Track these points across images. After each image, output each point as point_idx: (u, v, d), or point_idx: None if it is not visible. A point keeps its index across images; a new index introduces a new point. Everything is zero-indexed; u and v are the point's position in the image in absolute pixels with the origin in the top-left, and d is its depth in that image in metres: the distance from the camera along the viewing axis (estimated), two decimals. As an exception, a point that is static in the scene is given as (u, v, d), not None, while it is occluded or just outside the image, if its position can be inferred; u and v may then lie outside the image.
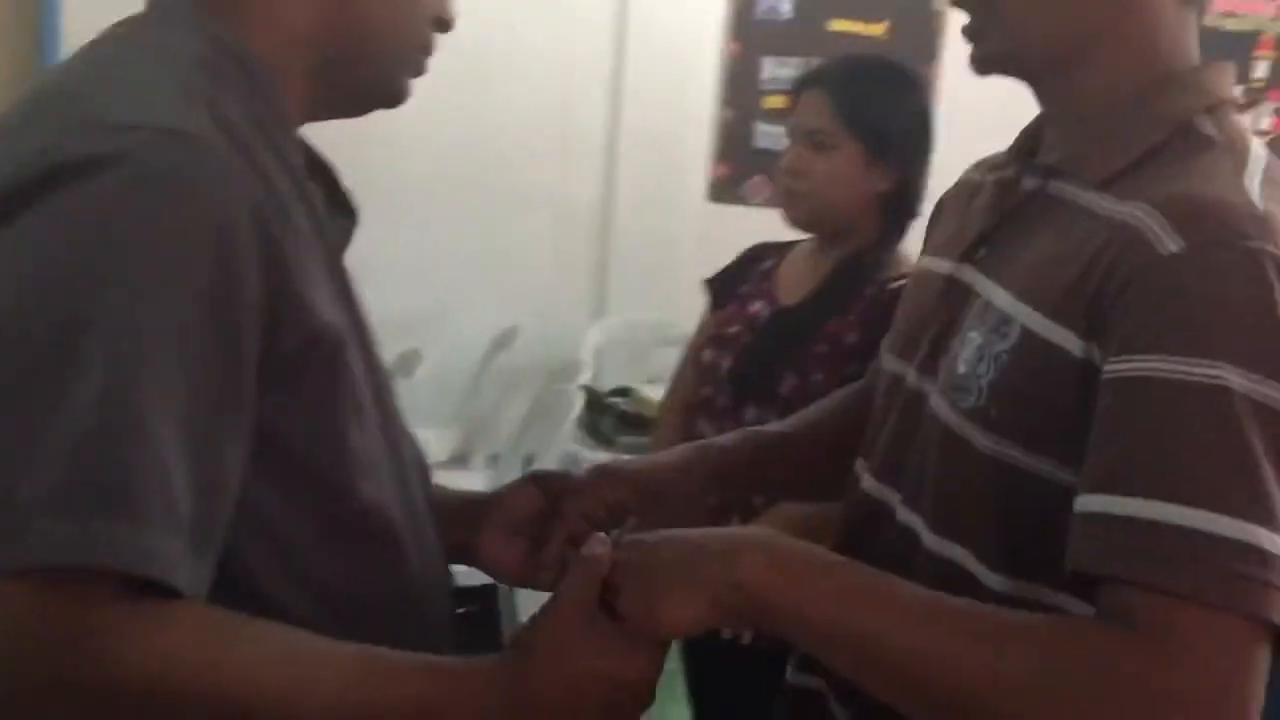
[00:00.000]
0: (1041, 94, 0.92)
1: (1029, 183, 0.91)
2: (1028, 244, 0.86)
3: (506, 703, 0.75)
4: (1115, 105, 0.86)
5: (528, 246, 4.18)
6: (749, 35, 4.30)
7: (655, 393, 3.84)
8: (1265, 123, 4.68)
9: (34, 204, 0.68)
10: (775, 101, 4.34)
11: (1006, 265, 0.87)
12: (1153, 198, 0.77)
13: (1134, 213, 0.77)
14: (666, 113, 4.26)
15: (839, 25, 4.34)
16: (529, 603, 2.36)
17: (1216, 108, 0.84)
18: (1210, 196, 0.76)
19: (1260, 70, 4.66)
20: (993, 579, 0.82)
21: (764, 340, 1.66)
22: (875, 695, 0.75)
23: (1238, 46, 4.63)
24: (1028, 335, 0.81)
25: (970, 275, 0.91)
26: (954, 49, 4.35)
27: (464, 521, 1.06)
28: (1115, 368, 0.73)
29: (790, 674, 1.09)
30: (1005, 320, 0.83)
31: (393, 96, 0.93)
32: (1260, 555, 0.66)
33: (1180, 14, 0.87)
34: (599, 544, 0.83)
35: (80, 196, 0.68)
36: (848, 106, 1.61)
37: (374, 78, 0.92)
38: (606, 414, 3.05)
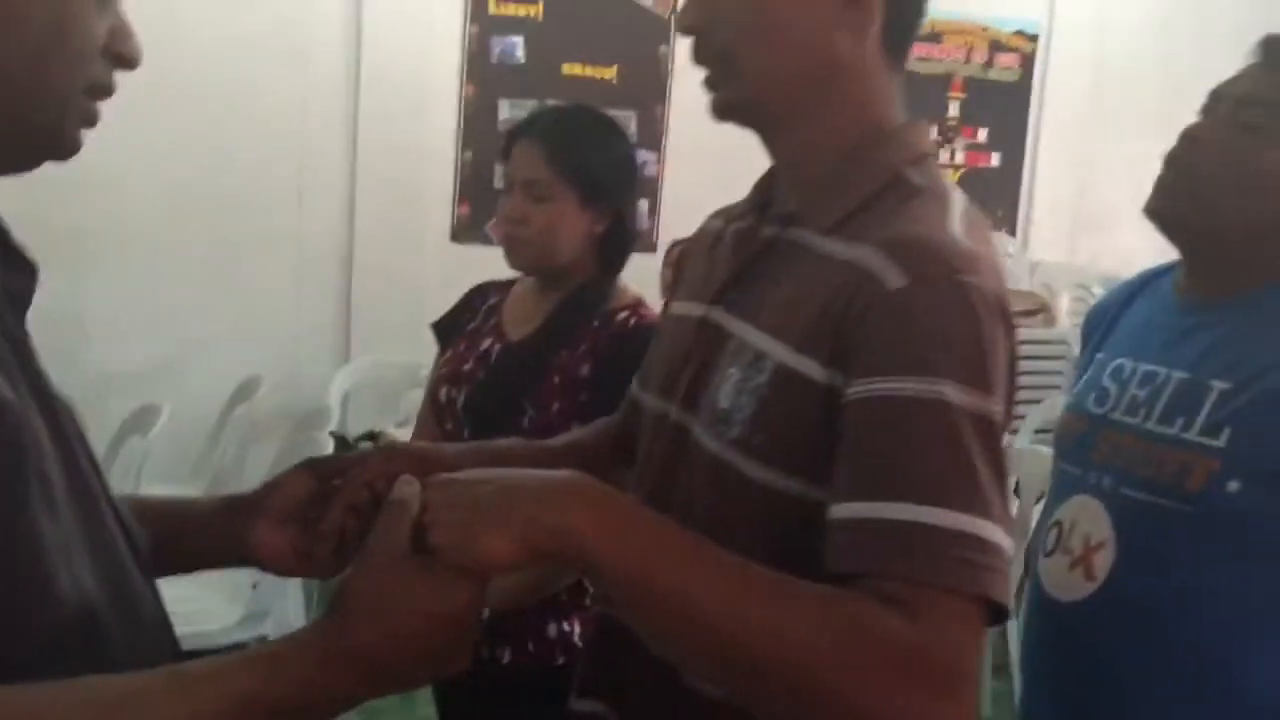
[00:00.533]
0: (772, 145, 1.02)
1: (768, 230, 1.00)
2: (773, 286, 0.95)
3: (331, 666, 0.73)
4: (836, 157, 0.96)
5: (268, 291, 4.10)
6: (484, 78, 4.38)
7: (406, 435, 3.84)
8: (959, 157, 5.14)
9: None
10: (513, 142, 4.44)
11: (755, 306, 0.96)
12: (876, 240, 0.87)
13: (862, 253, 0.87)
14: (405, 154, 4.27)
15: (571, 69, 4.48)
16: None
17: (921, 159, 0.97)
18: (925, 237, 0.86)
19: (953, 109, 5.13)
20: None
21: (496, 374, 1.71)
22: (672, 655, 0.80)
23: (933, 88, 5.07)
24: (779, 368, 0.89)
25: (722, 317, 0.99)
26: (679, 92, 4.58)
27: (233, 519, 1.01)
28: (854, 390, 0.83)
29: (573, 700, 1.11)
30: (760, 356, 0.92)
31: (59, 147, 0.80)
32: (981, 543, 0.77)
33: (889, 79, 0.99)
34: (407, 485, 0.81)
35: None
36: (561, 157, 1.69)
37: (27, 121, 0.77)
38: (356, 458, 3.02)
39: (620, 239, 1.74)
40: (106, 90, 0.81)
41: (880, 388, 0.81)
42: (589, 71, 4.53)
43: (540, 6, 4.42)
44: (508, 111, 4.41)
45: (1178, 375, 1.26)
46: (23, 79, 0.75)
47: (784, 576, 0.78)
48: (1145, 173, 1.37)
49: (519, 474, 0.83)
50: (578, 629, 1.68)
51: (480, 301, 1.87)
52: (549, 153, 1.68)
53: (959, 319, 0.82)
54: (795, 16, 0.93)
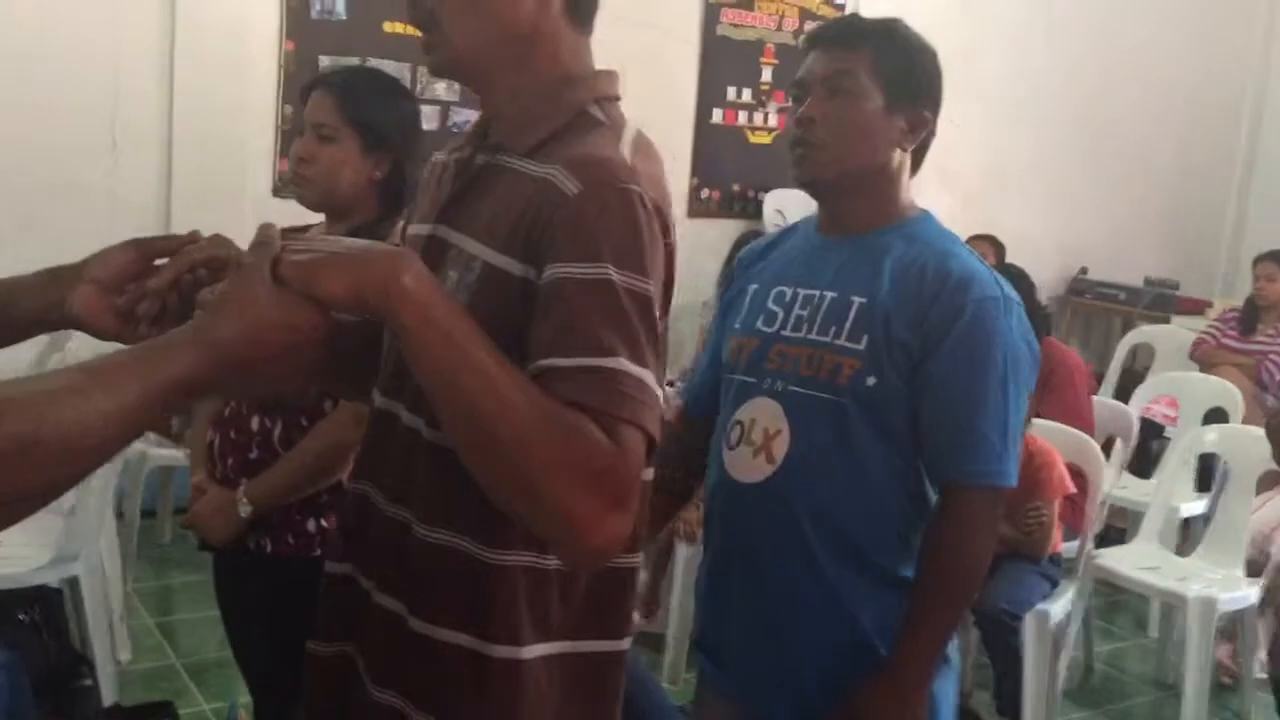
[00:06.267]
0: (481, 93, 1.21)
1: (481, 158, 1.20)
2: (484, 201, 1.15)
3: (207, 350, 0.89)
4: (533, 98, 1.16)
5: (80, 244, 4.02)
6: (304, 34, 4.40)
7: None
8: (773, 120, 5.38)
9: None
10: (335, 98, 4.47)
11: (470, 219, 1.16)
12: (560, 159, 1.08)
13: (549, 170, 1.08)
14: (224, 108, 4.26)
15: (391, 27, 4.53)
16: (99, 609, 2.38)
17: (603, 100, 1.18)
18: (595, 155, 1.08)
19: (766, 75, 5.36)
20: None
21: None
22: (437, 410, 0.98)
23: (746, 53, 5.29)
24: (485, 266, 1.10)
25: (444, 231, 1.19)
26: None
27: (57, 283, 1.11)
28: (544, 275, 1.03)
29: (328, 564, 1.30)
30: (471, 259, 1.12)
31: None
32: (637, 380, 0.99)
33: (576, 37, 1.19)
34: (271, 228, 0.97)
35: None
36: (347, 104, 1.91)
37: None
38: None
39: (399, 186, 1.91)
40: None
41: (562, 271, 1.02)
42: (411, 30, 4.57)
43: (362, -37, 4.45)
44: (329, 67, 4.43)
45: (829, 295, 1.59)
46: None
47: (532, 383, 0.98)
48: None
49: (367, 244, 1.00)
50: (334, 525, 1.86)
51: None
52: (337, 101, 1.92)
53: (620, 216, 1.04)
54: None
